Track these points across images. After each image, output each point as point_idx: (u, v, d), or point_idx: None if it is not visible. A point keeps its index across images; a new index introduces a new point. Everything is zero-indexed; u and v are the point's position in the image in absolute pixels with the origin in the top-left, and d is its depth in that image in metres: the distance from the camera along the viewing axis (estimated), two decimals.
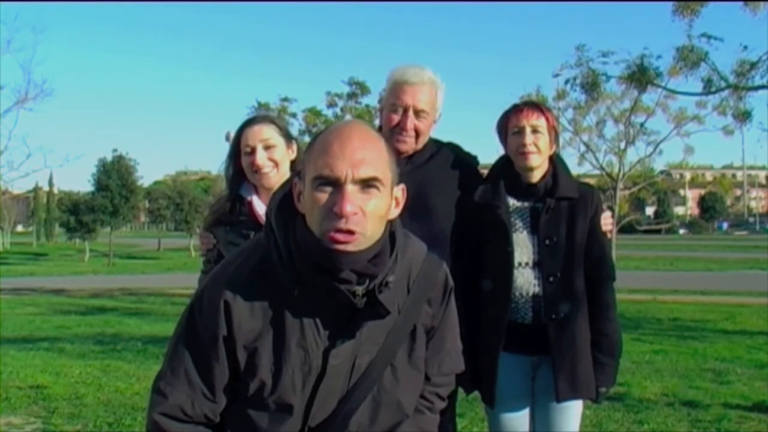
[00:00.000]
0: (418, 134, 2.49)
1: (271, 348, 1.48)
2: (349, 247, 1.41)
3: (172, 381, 1.50)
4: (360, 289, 1.45)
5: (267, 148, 2.43)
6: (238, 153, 2.48)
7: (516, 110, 2.56)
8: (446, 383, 1.74)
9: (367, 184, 1.42)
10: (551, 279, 2.50)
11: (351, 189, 1.41)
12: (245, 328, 1.47)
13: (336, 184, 1.41)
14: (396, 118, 2.47)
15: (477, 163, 2.70)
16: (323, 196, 1.41)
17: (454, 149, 2.65)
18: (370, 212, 1.42)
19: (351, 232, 1.40)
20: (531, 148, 2.51)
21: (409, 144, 2.48)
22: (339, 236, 1.40)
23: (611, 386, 2.67)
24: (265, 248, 1.50)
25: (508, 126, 2.57)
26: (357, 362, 1.52)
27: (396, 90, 2.48)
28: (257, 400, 1.50)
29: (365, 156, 1.42)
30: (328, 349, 1.49)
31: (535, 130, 2.52)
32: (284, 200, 1.52)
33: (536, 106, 2.63)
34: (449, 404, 2.47)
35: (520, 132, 2.52)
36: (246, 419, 1.52)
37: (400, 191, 1.53)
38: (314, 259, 1.43)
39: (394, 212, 1.52)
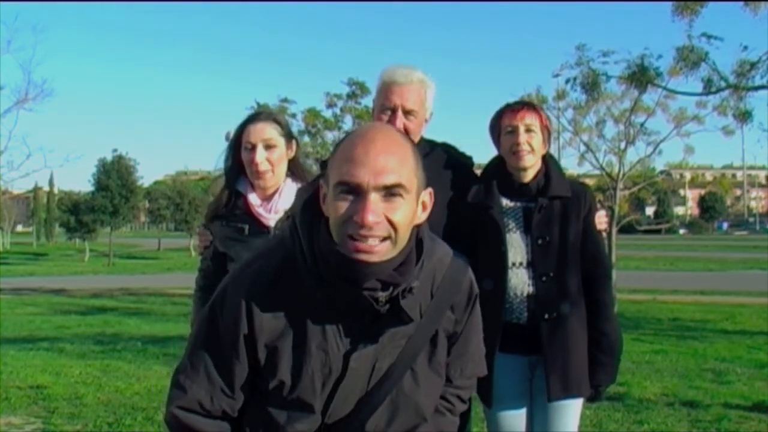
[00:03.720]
0: (408, 134, 2.49)
1: (291, 349, 1.47)
2: (374, 258, 1.38)
3: (191, 376, 1.50)
4: (383, 296, 1.42)
5: (267, 147, 2.46)
6: (239, 146, 2.51)
7: (509, 110, 2.56)
8: (468, 386, 1.73)
9: (390, 191, 1.38)
10: (544, 278, 2.49)
11: (374, 198, 1.37)
12: (267, 327, 1.47)
13: (358, 192, 1.37)
14: (385, 118, 2.48)
15: (472, 163, 2.70)
16: (345, 204, 1.38)
17: (447, 149, 2.65)
18: (395, 221, 1.39)
19: (372, 246, 1.37)
20: (525, 147, 2.51)
21: None
22: (360, 245, 1.37)
23: (611, 384, 2.68)
24: (289, 248, 1.48)
25: (501, 125, 2.57)
26: (377, 365, 1.51)
27: (385, 90, 2.50)
28: (277, 398, 1.50)
29: (388, 162, 1.38)
30: (349, 353, 1.47)
31: (528, 130, 2.52)
32: (309, 201, 1.50)
33: (529, 105, 2.63)
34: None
35: (514, 131, 2.52)
36: (265, 416, 1.52)
37: (427, 195, 1.50)
38: (338, 269, 1.41)
39: (422, 217, 1.49)
